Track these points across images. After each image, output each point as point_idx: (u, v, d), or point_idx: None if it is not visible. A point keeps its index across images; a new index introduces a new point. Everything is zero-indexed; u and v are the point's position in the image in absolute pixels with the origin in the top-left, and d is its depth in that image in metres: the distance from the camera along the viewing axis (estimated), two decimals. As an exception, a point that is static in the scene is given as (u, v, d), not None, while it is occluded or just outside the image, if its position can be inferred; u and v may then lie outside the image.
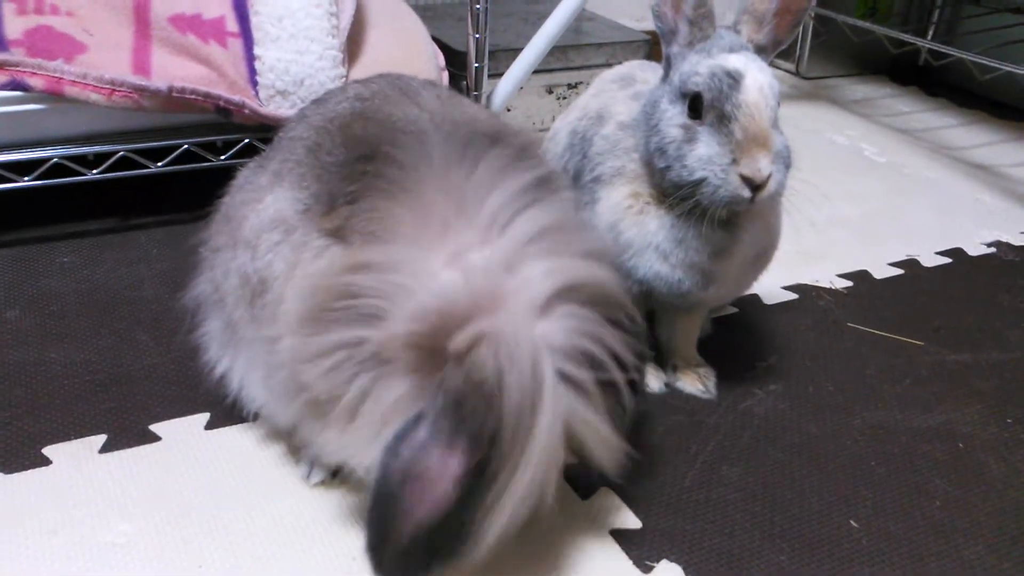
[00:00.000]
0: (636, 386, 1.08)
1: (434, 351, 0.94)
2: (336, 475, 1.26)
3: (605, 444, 1.04)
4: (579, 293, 1.00)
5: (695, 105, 1.26)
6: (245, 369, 1.21)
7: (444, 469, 0.92)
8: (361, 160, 1.08)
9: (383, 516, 0.93)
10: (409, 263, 0.97)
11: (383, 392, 0.97)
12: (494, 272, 0.97)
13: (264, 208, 1.14)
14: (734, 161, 1.22)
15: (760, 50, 1.29)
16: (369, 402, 0.98)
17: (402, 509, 0.92)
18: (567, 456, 1.02)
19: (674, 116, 1.28)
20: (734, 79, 1.23)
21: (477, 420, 0.91)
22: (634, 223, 1.34)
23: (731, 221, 1.29)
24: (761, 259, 1.38)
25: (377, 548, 0.94)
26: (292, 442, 1.30)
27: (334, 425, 1.01)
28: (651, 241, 1.33)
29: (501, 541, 0.97)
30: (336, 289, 0.98)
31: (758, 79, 1.23)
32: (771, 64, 1.30)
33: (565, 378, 0.98)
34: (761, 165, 1.21)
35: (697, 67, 1.26)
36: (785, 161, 1.26)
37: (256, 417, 1.35)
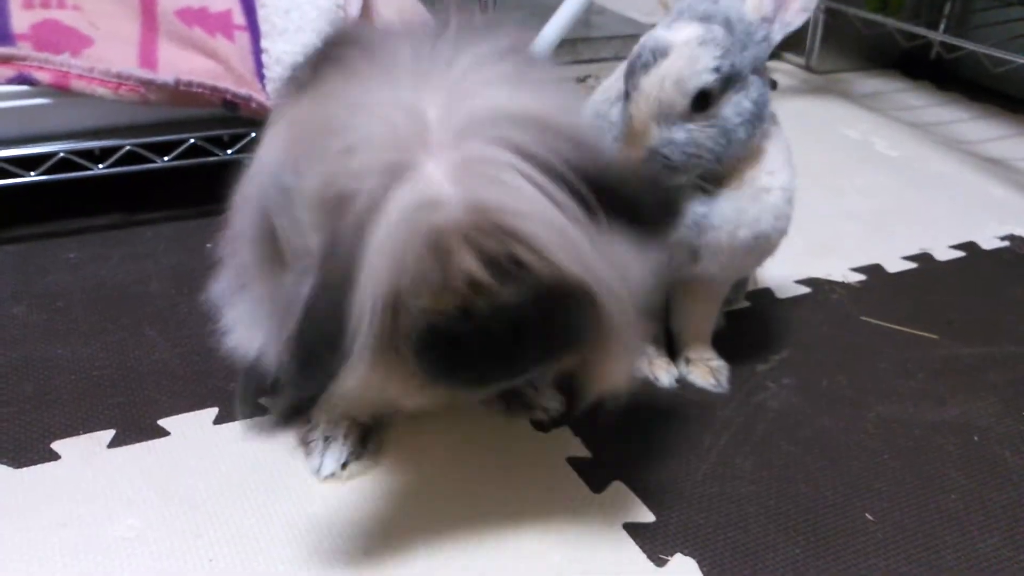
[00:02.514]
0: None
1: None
2: (346, 467, 1.25)
3: (569, 247, 0.89)
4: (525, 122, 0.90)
5: None
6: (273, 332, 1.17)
7: None
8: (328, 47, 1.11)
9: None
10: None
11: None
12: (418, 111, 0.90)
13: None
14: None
15: (765, 20, 1.25)
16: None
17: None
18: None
19: None
20: (653, 57, 1.20)
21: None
22: None
23: (706, 190, 1.28)
24: (761, 242, 1.33)
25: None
26: (304, 435, 1.30)
27: None
28: None
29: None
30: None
31: (673, 66, 1.19)
32: (779, 57, 1.27)
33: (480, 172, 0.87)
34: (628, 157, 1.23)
35: (647, 37, 1.25)
36: (685, 150, 1.22)
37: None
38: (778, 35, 1.27)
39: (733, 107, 1.23)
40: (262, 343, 1.22)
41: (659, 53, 1.20)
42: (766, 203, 1.30)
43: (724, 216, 1.29)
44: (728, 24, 1.22)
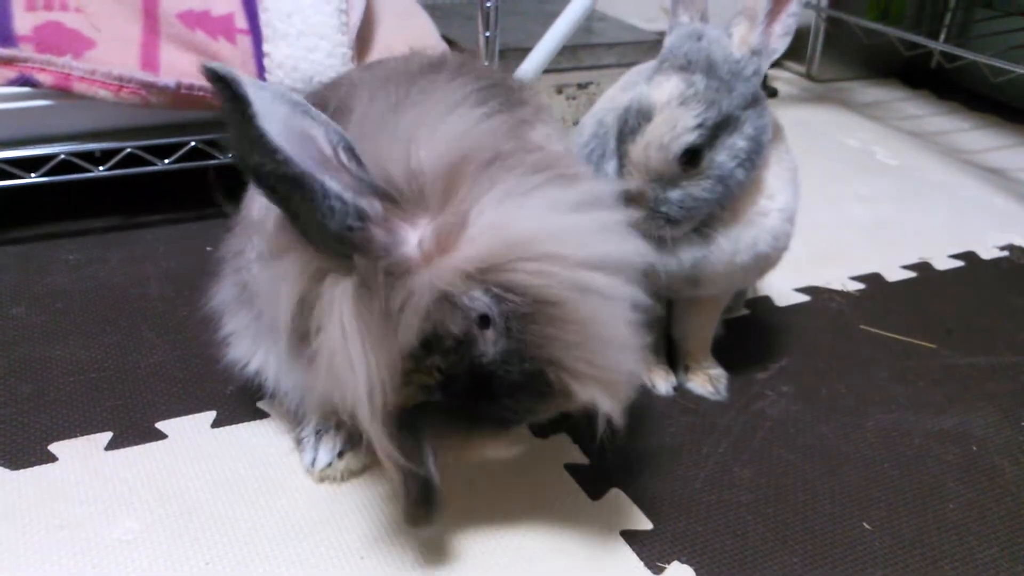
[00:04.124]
0: None
1: None
2: (343, 455, 1.25)
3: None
4: None
5: None
6: (276, 356, 1.20)
7: None
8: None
9: None
10: None
11: None
12: None
13: None
14: None
15: (755, 53, 1.24)
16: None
17: None
18: None
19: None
20: (638, 122, 1.22)
21: None
22: None
23: (704, 230, 1.28)
24: (760, 261, 1.34)
25: None
26: (298, 435, 1.30)
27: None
28: None
29: None
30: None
31: (655, 132, 1.20)
32: (780, 65, 1.27)
33: None
34: None
35: (632, 90, 1.26)
36: (682, 206, 1.24)
37: (267, 415, 1.36)
38: (765, 65, 1.27)
39: (727, 151, 1.23)
40: (262, 359, 1.23)
41: (643, 117, 1.21)
42: (763, 226, 1.31)
43: (721, 250, 1.30)
44: (711, 68, 1.22)
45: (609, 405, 1.00)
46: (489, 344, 0.97)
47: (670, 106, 1.20)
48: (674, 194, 1.23)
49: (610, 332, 0.98)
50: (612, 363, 0.99)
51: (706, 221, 1.28)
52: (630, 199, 1.23)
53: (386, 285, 0.92)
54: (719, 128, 1.22)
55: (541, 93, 1.27)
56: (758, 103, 1.27)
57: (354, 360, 0.92)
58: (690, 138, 1.20)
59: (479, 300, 0.95)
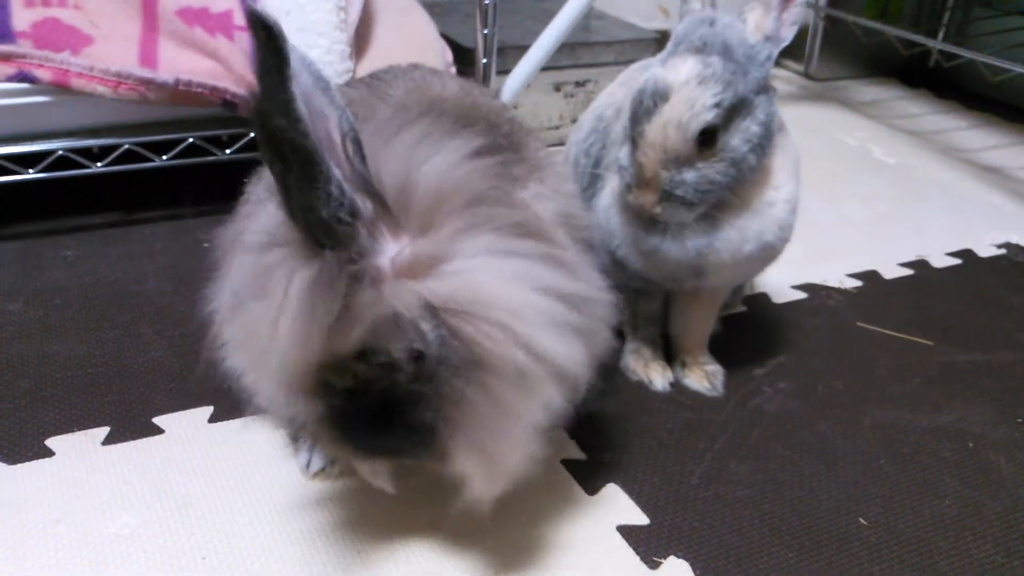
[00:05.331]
0: None
1: None
2: (336, 462, 1.25)
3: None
4: None
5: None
6: None
7: None
8: None
9: None
10: None
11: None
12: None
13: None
14: (629, 185, 1.26)
15: (768, 39, 1.25)
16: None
17: None
18: None
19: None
20: (654, 102, 1.21)
21: None
22: (622, 211, 1.34)
23: (711, 217, 1.28)
24: (766, 252, 1.35)
25: None
26: (293, 432, 1.29)
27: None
28: (635, 235, 1.32)
29: None
30: None
31: (673, 111, 1.20)
32: (778, 64, 1.27)
33: None
34: (643, 202, 1.25)
35: (646, 72, 1.26)
36: (697, 188, 1.23)
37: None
38: (776, 52, 1.27)
39: (741, 135, 1.23)
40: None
41: (659, 97, 1.21)
42: (770, 216, 1.31)
43: (728, 239, 1.29)
44: (727, 51, 1.22)
45: (478, 490, 1.00)
46: (409, 378, 0.95)
47: (688, 86, 1.20)
48: (690, 175, 1.23)
49: (518, 425, 0.97)
50: (503, 454, 0.98)
51: (714, 207, 1.28)
52: (644, 183, 1.24)
53: (347, 284, 0.90)
54: (734, 111, 1.22)
55: (542, 149, 1.25)
56: (768, 90, 1.28)
57: (283, 329, 0.91)
58: (708, 117, 1.20)
59: (425, 333, 0.93)
